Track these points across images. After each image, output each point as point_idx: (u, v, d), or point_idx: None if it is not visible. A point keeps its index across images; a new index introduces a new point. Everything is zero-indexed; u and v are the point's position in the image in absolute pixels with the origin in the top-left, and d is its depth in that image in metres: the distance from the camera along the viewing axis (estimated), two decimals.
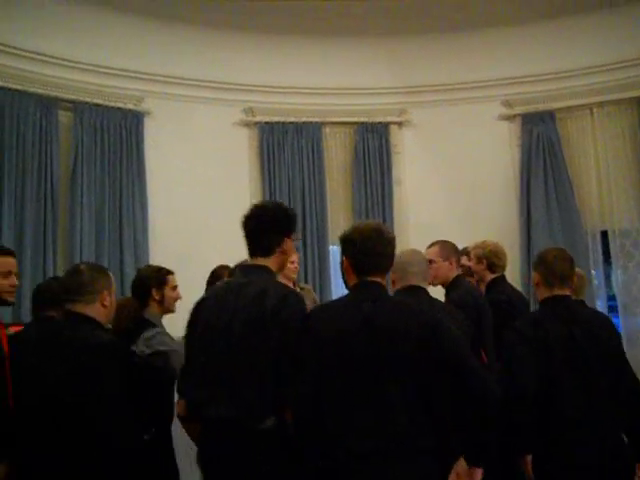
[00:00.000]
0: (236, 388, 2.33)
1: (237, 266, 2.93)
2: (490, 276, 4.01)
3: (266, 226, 2.62)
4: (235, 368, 2.35)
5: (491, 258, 4.01)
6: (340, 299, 2.54)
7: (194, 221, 6.71)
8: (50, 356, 2.52)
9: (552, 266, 2.93)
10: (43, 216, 5.87)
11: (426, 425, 2.27)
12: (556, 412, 2.71)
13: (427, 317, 2.38)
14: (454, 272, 3.73)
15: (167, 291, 3.56)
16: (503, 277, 4.15)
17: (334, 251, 7.17)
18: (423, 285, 3.16)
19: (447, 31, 7.23)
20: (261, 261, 2.62)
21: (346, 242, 2.53)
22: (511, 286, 4.44)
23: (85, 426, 2.41)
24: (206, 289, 4.17)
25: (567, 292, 2.94)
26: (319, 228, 7.08)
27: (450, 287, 3.71)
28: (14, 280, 3.00)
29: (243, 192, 7.09)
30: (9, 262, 3.00)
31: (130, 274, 6.21)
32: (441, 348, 2.29)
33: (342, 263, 2.56)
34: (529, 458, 2.76)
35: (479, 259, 4.06)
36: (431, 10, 6.99)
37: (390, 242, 2.51)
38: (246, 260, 2.81)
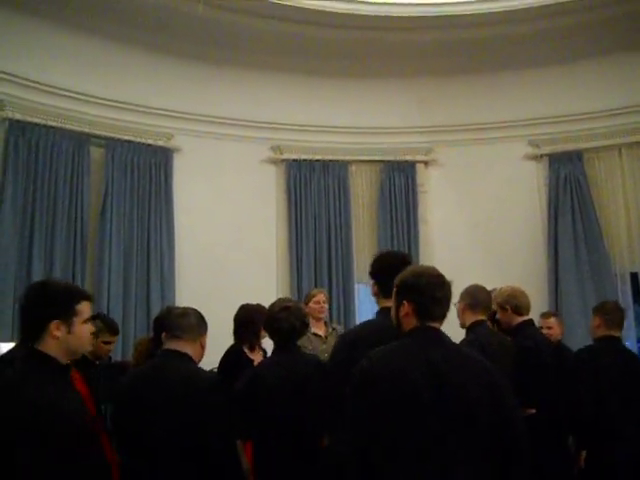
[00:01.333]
0: None
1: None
2: (518, 319, 3.95)
3: None
4: None
5: (512, 301, 3.96)
6: (399, 344, 2.34)
7: (220, 257, 6.76)
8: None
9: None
10: (72, 250, 5.96)
11: None
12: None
13: (495, 376, 2.31)
14: (468, 317, 3.72)
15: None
16: (531, 321, 4.09)
17: (359, 289, 7.16)
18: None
19: (475, 71, 7.28)
20: None
21: (409, 287, 2.37)
22: (537, 330, 4.38)
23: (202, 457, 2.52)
24: (235, 332, 4.12)
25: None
26: (344, 266, 7.08)
27: (467, 330, 3.68)
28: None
29: (270, 229, 7.16)
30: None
31: (156, 309, 6.25)
32: (507, 407, 2.25)
33: (398, 307, 2.39)
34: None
35: (501, 306, 4.00)
36: (458, 51, 7.06)
37: (449, 287, 2.43)
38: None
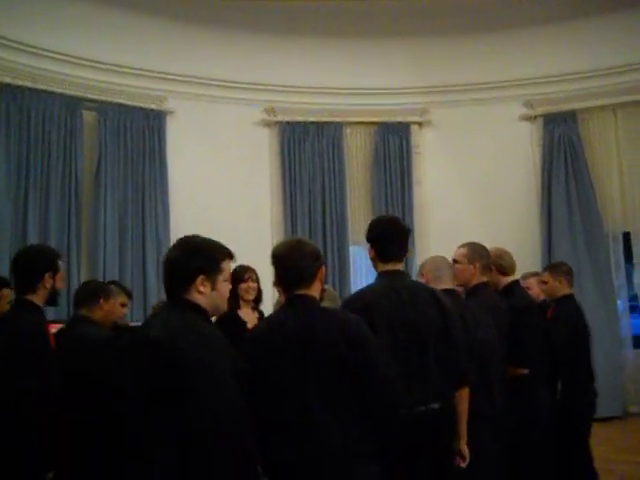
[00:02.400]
0: None
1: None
2: (504, 280, 3.97)
3: None
4: None
5: (497, 261, 3.96)
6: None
7: (215, 219, 6.73)
8: None
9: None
10: (67, 213, 5.97)
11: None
12: None
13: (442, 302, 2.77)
14: (477, 277, 3.67)
15: None
16: (518, 282, 4.12)
17: (354, 251, 7.20)
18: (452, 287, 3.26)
19: (468, 32, 7.21)
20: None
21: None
22: (525, 289, 4.42)
23: None
24: None
25: None
26: (339, 228, 7.12)
27: (470, 293, 3.67)
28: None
29: (264, 190, 7.17)
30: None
31: (152, 270, 6.30)
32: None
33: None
34: None
35: (485, 267, 4.01)
36: (452, 12, 6.99)
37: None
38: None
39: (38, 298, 2.77)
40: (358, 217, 7.31)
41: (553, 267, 4.42)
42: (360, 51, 7.34)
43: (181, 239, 2.25)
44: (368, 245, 2.85)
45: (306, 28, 7.13)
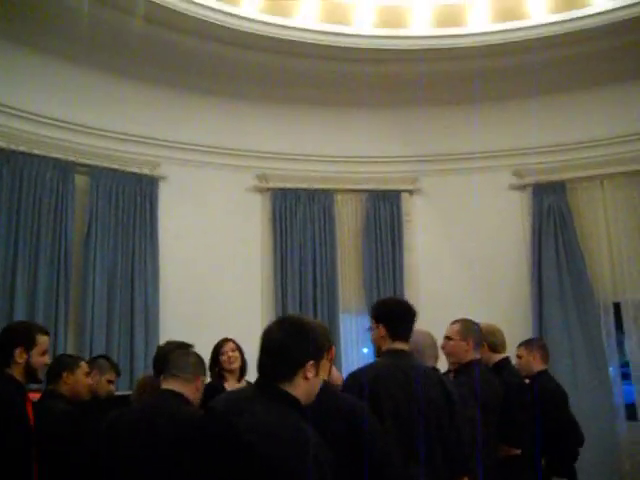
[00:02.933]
0: None
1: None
2: (495, 357, 3.93)
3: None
4: None
5: (488, 338, 3.92)
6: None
7: (205, 286, 6.73)
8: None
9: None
10: (56, 280, 5.89)
11: None
12: None
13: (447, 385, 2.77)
14: (470, 354, 3.62)
15: None
16: (509, 359, 4.08)
17: (344, 319, 7.13)
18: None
19: (458, 102, 7.37)
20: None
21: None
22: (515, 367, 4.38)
23: None
24: (211, 360, 4.11)
25: None
26: (329, 295, 7.06)
27: (461, 370, 3.61)
28: (47, 359, 3.22)
29: (255, 257, 7.16)
30: (47, 341, 3.18)
31: (140, 337, 6.20)
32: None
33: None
34: None
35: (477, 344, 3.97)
36: (442, 82, 7.14)
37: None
38: None
39: (15, 372, 2.79)
40: (348, 284, 7.27)
41: (528, 342, 4.42)
42: (351, 120, 7.47)
43: (285, 319, 2.15)
44: (373, 323, 2.89)
45: (298, 97, 7.26)
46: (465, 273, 7.25)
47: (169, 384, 2.80)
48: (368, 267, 7.21)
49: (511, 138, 7.36)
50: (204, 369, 2.97)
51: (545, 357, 4.32)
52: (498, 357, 3.91)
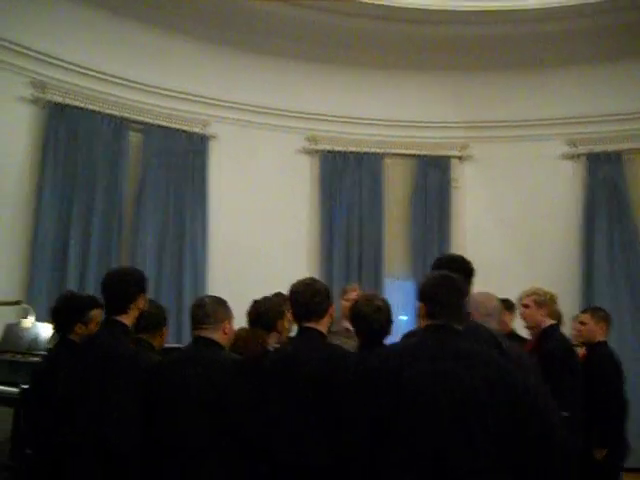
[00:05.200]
0: None
1: None
2: (548, 322, 3.93)
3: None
4: None
5: (551, 304, 3.94)
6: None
7: (252, 244, 6.81)
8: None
9: None
10: (108, 235, 6.07)
11: None
12: None
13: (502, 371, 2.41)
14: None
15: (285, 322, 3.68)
16: (557, 325, 4.06)
17: (388, 283, 7.14)
18: None
19: (512, 68, 7.20)
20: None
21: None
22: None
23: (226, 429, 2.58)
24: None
25: None
26: (375, 259, 7.09)
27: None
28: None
29: (302, 218, 7.20)
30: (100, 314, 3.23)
31: (188, 292, 6.33)
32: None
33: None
34: None
35: (539, 305, 3.96)
36: (498, 47, 6.98)
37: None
38: None
39: (128, 319, 2.82)
40: (394, 249, 7.27)
41: (595, 310, 4.34)
42: (403, 83, 7.37)
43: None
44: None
45: (350, 59, 7.20)
46: (513, 241, 7.17)
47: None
48: (415, 233, 7.20)
49: (566, 106, 7.17)
50: (225, 314, 2.93)
51: (608, 329, 4.25)
52: (550, 322, 3.92)
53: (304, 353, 2.61)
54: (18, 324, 4.90)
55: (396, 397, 2.16)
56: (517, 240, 7.14)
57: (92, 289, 5.65)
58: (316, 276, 6.92)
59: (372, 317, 2.90)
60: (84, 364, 2.73)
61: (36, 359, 4.30)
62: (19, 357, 4.57)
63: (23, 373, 4.16)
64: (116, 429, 2.52)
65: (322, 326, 2.75)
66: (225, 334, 2.85)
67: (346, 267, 6.93)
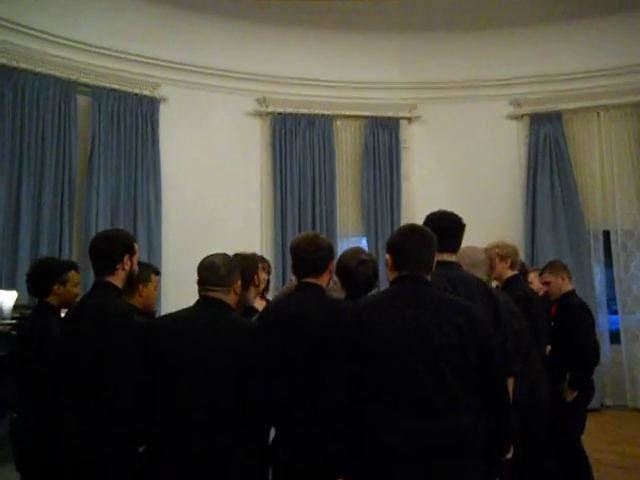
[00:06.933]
0: None
1: None
2: (509, 274, 4.13)
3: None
4: None
5: (513, 256, 4.13)
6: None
7: (205, 206, 6.84)
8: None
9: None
10: (60, 199, 5.99)
11: None
12: None
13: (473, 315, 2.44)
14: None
15: None
16: (519, 275, 4.26)
17: (342, 243, 7.29)
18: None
19: (459, 30, 7.35)
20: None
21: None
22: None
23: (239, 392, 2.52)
24: None
25: None
26: (328, 220, 7.22)
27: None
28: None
29: (255, 181, 7.24)
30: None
31: (143, 256, 6.32)
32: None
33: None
34: None
35: (503, 258, 4.15)
36: (444, 8, 7.11)
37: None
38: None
39: (117, 280, 2.78)
40: (347, 210, 7.42)
41: (552, 266, 4.53)
42: (352, 45, 7.43)
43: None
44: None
45: (300, 21, 7.22)
46: (461, 200, 7.26)
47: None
48: (366, 192, 7.34)
49: (510, 67, 7.38)
50: (235, 276, 2.82)
51: (570, 276, 4.45)
52: (511, 273, 4.10)
53: (307, 312, 2.56)
54: None
55: (366, 345, 2.23)
56: (465, 197, 7.33)
57: (45, 253, 5.63)
58: (270, 237, 7.05)
59: (357, 270, 2.89)
60: (76, 325, 2.68)
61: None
62: None
63: None
64: (116, 389, 2.46)
65: (322, 281, 2.69)
66: (235, 294, 2.78)
67: (300, 227, 7.03)
